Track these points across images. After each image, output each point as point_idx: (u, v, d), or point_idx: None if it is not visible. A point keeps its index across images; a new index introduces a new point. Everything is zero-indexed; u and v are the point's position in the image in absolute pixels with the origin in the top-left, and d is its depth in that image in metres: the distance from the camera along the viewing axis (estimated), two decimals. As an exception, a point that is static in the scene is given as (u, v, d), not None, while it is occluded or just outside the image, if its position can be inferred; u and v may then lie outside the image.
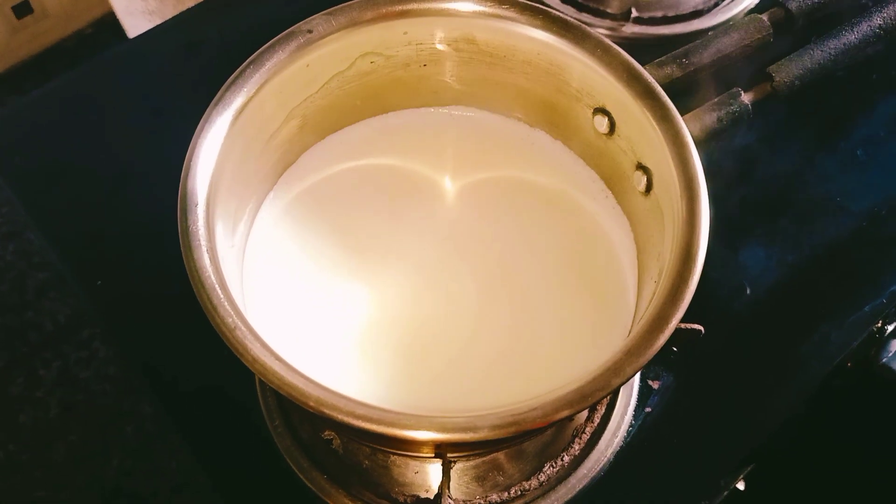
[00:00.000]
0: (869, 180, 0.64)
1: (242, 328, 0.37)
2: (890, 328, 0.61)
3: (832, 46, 0.43)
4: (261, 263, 0.48)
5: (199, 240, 0.38)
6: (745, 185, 0.64)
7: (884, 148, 0.66)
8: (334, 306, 0.47)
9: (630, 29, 0.71)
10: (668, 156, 0.42)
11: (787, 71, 0.43)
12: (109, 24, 0.87)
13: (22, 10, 0.80)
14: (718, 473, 0.56)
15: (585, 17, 0.71)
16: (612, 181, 0.50)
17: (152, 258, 0.59)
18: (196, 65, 0.73)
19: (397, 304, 0.48)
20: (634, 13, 0.70)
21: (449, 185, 0.52)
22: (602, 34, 0.69)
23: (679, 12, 0.72)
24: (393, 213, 0.51)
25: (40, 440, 0.69)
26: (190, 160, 0.41)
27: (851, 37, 0.44)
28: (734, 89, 0.44)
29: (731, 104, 0.43)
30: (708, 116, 0.43)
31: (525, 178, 0.52)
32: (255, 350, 0.36)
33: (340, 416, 0.35)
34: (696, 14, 0.71)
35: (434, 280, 0.49)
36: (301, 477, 0.53)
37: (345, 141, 0.52)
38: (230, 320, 0.37)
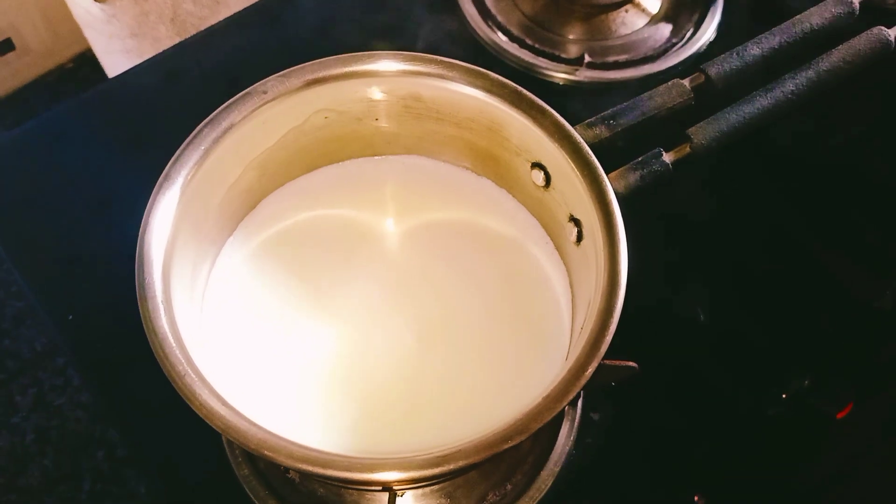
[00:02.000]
0: (805, 221, 0.68)
1: (191, 374, 0.40)
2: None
3: (746, 110, 0.47)
4: (220, 307, 0.51)
5: (154, 291, 0.42)
6: (688, 226, 0.67)
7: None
8: (288, 349, 0.51)
9: (584, 73, 0.74)
10: (594, 211, 0.46)
11: (704, 133, 0.47)
12: (90, 59, 0.90)
13: (4, 47, 0.84)
14: (656, 500, 0.59)
15: (541, 61, 0.75)
16: (551, 230, 0.54)
17: (122, 294, 0.62)
18: (174, 101, 0.76)
19: (348, 348, 0.51)
20: (588, 59, 0.74)
21: (399, 230, 0.55)
22: (558, 78, 0.75)
23: (630, 58, 0.75)
24: (347, 258, 0.54)
25: (15, 464, 0.72)
26: (148, 216, 0.44)
27: (765, 101, 0.47)
28: (656, 149, 0.47)
29: (654, 163, 0.47)
30: (632, 175, 0.47)
31: (472, 223, 0.56)
32: (203, 396, 0.39)
33: (280, 458, 0.38)
34: (647, 59, 0.75)
35: (384, 322, 0.52)
36: (258, 504, 0.56)
37: (303, 188, 0.56)
38: (180, 368, 0.40)
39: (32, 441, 0.72)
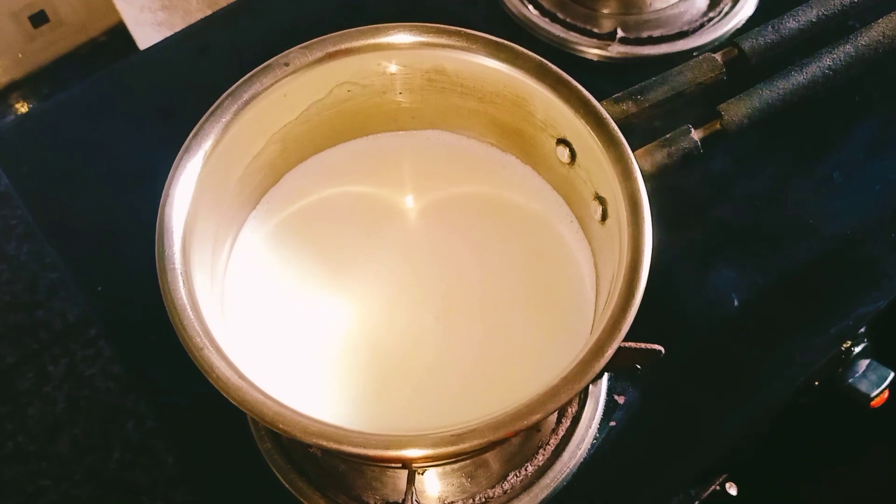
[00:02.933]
0: (843, 204, 0.66)
1: (209, 348, 0.40)
2: (857, 350, 0.63)
3: (781, 87, 0.45)
4: (242, 282, 0.51)
5: (173, 264, 0.42)
6: (720, 207, 0.66)
7: (860, 171, 0.67)
8: (309, 324, 0.50)
9: (616, 49, 0.73)
10: (619, 189, 0.45)
11: (736, 110, 0.45)
12: (123, 32, 0.90)
13: (38, 19, 0.84)
14: (679, 486, 0.58)
15: (573, 35, 0.74)
16: (576, 207, 0.53)
17: (152, 266, 0.63)
18: (204, 74, 0.76)
19: (369, 324, 0.51)
20: (621, 33, 0.72)
21: (422, 206, 0.55)
22: (590, 53, 0.73)
23: (665, 33, 0.73)
24: (369, 234, 0.54)
25: (47, 433, 0.73)
26: (169, 187, 0.44)
27: (800, 77, 0.45)
28: (685, 126, 0.46)
29: (682, 140, 0.46)
30: (658, 152, 0.46)
31: (496, 199, 0.55)
32: (220, 369, 0.39)
33: (295, 433, 0.38)
34: (682, 35, 0.73)
35: (404, 300, 0.51)
36: (280, 478, 0.56)
37: (325, 163, 0.55)
38: (198, 340, 0.40)
39: (63, 410, 0.73)
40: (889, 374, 0.61)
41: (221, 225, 0.49)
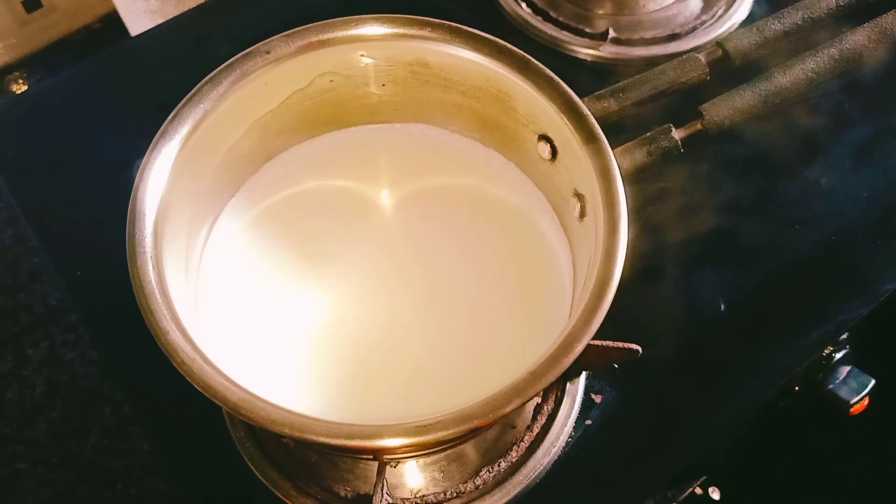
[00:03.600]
0: (829, 209, 0.65)
1: (175, 332, 0.40)
2: (838, 356, 0.62)
3: (763, 88, 0.45)
4: (217, 270, 0.51)
5: (143, 247, 0.41)
6: (705, 209, 0.65)
7: (847, 178, 0.67)
8: (285, 316, 0.50)
9: (608, 49, 0.72)
10: (596, 186, 0.44)
11: (717, 110, 0.45)
12: (117, 19, 0.90)
13: (31, 4, 0.84)
14: (654, 486, 0.58)
15: (565, 35, 0.73)
16: (556, 204, 0.52)
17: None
18: (196, 62, 0.75)
19: (345, 316, 0.50)
20: (612, 34, 0.72)
21: (403, 198, 0.55)
22: (581, 53, 0.73)
23: (657, 35, 0.73)
24: (349, 225, 0.54)
25: (24, 415, 0.73)
26: (143, 170, 0.44)
27: (783, 79, 0.45)
28: (665, 125, 0.46)
29: (662, 139, 0.45)
30: (638, 151, 0.45)
31: (477, 193, 0.55)
32: (185, 354, 0.39)
33: (258, 419, 0.38)
34: (674, 37, 0.73)
35: (381, 292, 0.51)
36: (252, 468, 0.56)
37: (306, 154, 0.55)
38: (164, 324, 0.40)
39: (42, 394, 0.73)
40: (870, 382, 0.61)
41: (197, 212, 0.49)
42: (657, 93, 0.46)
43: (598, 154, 0.45)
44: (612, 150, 0.45)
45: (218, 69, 0.47)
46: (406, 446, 0.38)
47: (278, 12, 0.79)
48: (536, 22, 0.74)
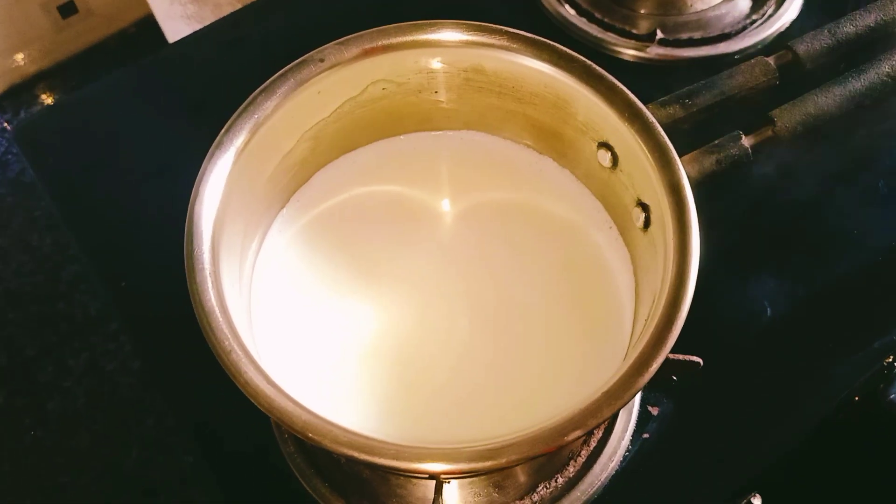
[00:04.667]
0: (888, 215, 0.64)
1: (238, 351, 0.38)
2: (900, 364, 0.60)
3: (837, 93, 0.43)
4: (269, 282, 0.50)
5: (202, 264, 0.40)
6: (761, 215, 0.64)
7: (907, 181, 0.65)
8: (337, 328, 0.49)
9: (655, 51, 0.71)
10: (664, 196, 0.43)
11: (790, 116, 0.44)
12: (153, 24, 0.89)
13: (67, 10, 0.84)
14: (713, 502, 0.56)
15: (610, 36, 0.72)
16: (616, 214, 0.51)
17: (177, 263, 0.62)
18: (234, 69, 0.75)
19: (398, 329, 0.49)
20: (660, 35, 0.70)
21: (455, 209, 0.53)
22: (628, 55, 0.71)
23: (706, 35, 0.71)
24: (400, 236, 0.52)
25: (65, 427, 0.72)
26: (199, 184, 0.43)
27: (857, 84, 0.43)
28: (735, 132, 0.44)
29: (731, 147, 0.44)
30: (707, 159, 0.44)
31: (531, 203, 0.53)
32: (248, 373, 0.38)
33: (325, 442, 0.37)
34: (724, 37, 0.71)
35: (434, 305, 0.50)
36: (302, 482, 0.55)
37: (357, 162, 0.54)
38: (226, 343, 0.38)
39: (83, 405, 0.72)
40: (933, 392, 0.59)
41: (250, 224, 0.48)
42: (724, 98, 0.45)
43: (665, 163, 0.43)
44: (680, 158, 0.43)
45: (272, 78, 0.46)
46: (476, 469, 0.36)
47: (316, 16, 0.78)
48: (580, 23, 0.73)
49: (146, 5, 0.85)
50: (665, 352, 0.39)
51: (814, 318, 0.60)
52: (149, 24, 0.90)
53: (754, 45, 0.70)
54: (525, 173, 0.54)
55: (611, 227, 0.51)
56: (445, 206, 0.53)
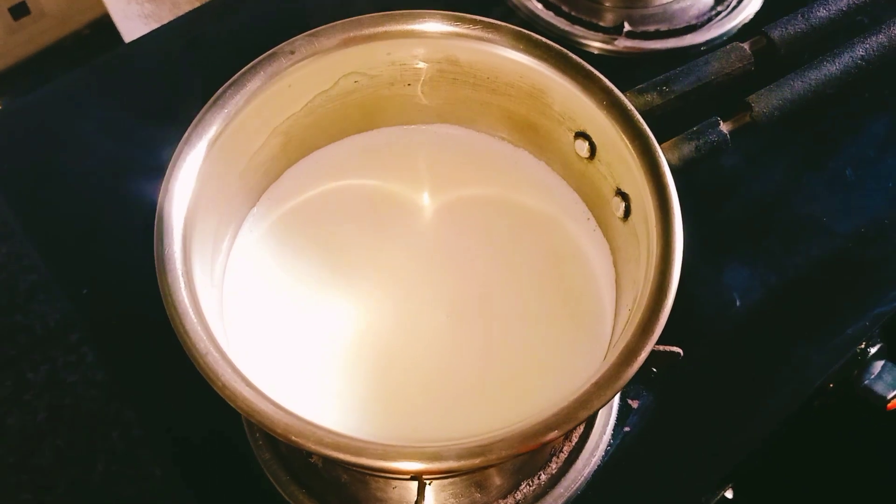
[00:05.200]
0: (856, 201, 0.64)
1: (214, 353, 0.37)
2: (873, 350, 0.61)
3: (813, 77, 0.43)
4: (242, 280, 0.48)
5: (174, 264, 0.39)
6: (730, 204, 0.64)
7: (873, 168, 0.66)
8: (313, 326, 0.48)
9: (623, 43, 0.71)
10: (645, 184, 0.42)
11: (767, 101, 0.43)
12: (107, 25, 0.87)
13: (19, 11, 0.81)
14: (696, 493, 0.56)
15: (577, 29, 0.71)
16: (594, 205, 0.50)
17: (140, 267, 0.60)
18: (192, 68, 0.73)
19: (375, 326, 0.48)
20: (627, 27, 0.70)
21: (431, 203, 0.52)
22: (595, 47, 0.71)
23: (672, 27, 0.72)
24: (375, 232, 0.51)
25: (27, 443, 0.69)
26: (168, 180, 0.41)
27: (833, 67, 0.43)
28: (713, 118, 0.44)
29: (710, 133, 0.43)
30: (686, 145, 0.43)
31: (507, 196, 0.53)
32: (226, 376, 0.36)
33: (309, 445, 0.35)
34: (690, 29, 0.71)
35: (413, 301, 0.49)
36: (279, 490, 0.53)
37: (328, 158, 0.53)
38: (202, 345, 0.37)
39: (45, 420, 0.69)
40: (905, 377, 0.60)
41: (221, 223, 0.47)
42: (701, 84, 0.45)
43: (645, 151, 0.43)
44: (659, 143, 0.43)
45: (241, 71, 0.44)
46: (466, 467, 0.35)
47: (277, 14, 0.76)
48: (548, 16, 0.72)
49: (101, 6, 0.83)
50: (652, 341, 0.38)
51: (786, 305, 0.60)
52: (103, 26, 0.88)
53: (720, 37, 0.71)
54: (500, 166, 0.53)
55: (588, 218, 0.51)
56: (418, 199, 0.52)
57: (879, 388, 0.60)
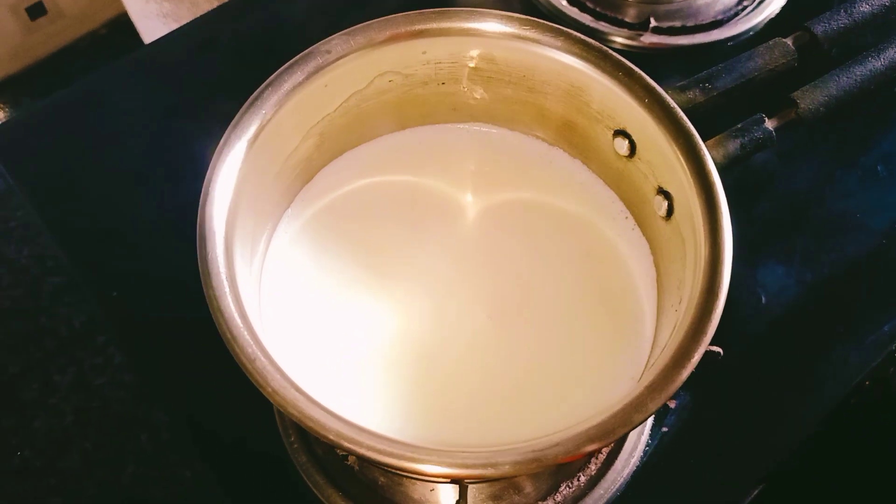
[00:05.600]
0: (889, 196, 0.64)
1: (262, 359, 0.36)
2: (908, 347, 0.60)
3: (858, 73, 0.43)
4: (278, 283, 0.48)
5: (217, 267, 0.38)
6: (764, 201, 0.63)
7: (906, 162, 0.65)
8: (350, 327, 0.47)
9: (648, 39, 0.70)
10: (691, 183, 0.42)
11: (812, 97, 0.43)
12: (124, 24, 0.86)
13: (36, 11, 0.80)
14: (735, 493, 0.55)
15: (602, 25, 0.71)
16: (632, 204, 0.50)
17: (166, 267, 0.59)
18: (211, 68, 0.73)
19: (414, 328, 0.47)
20: (653, 23, 0.70)
21: (466, 203, 0.52)
22: (620, 43, 0.70)
23: (698, 22, 0.71)
24: (409, 231, 0.51)
25: (55, 447, 0.69)
26: (208, 186, 0.41)
27: (878, 63, 0.43)
28: (757, 115, 0.43)
29: (755, 130, 0.43)
30: (731, 143, 0.43)
31: (543, 197, 0.52)
32: (276, 382, 0.36)
33: (360, 451, 0.35)
34: (716, 24, 0.71)
35: (447, 303, 0.48)
36: (316, 493, 0.53)
37: (362, 158, 0.52)
38: (250, 350, 0.36)
39: (72, 423, 0.69)
40: (941, 374, 0.59)
41: (258, 224, 0.46)
42: (745, 81, 0.44)
43: (689, 149, 0.42)
44: (704, 141, 0.42)
45: (278, 71, 0.44)
46: (523, 471, 0.35)
47: (296, 16, 0.76)
48: (572, 13, 0.72)
49: (118, 5, 0.82)
50: (705, 343, 0.38)
51: (822, 302, 0.60)
52: (120, 25, 0.87)
53: (746, 32, 0.70)
54: (535, 165, 0.53)
55: (626, 218, 0.50)
56: (453, 198, 0.52)
57: (915, 385, 0.59)
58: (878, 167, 0.65)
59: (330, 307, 0.48)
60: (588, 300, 0.49)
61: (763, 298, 0.59)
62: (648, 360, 0.45)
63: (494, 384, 0.46)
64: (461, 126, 0.53)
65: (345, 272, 0.49)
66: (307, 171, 0.50)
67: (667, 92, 0.44)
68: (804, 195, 0.64)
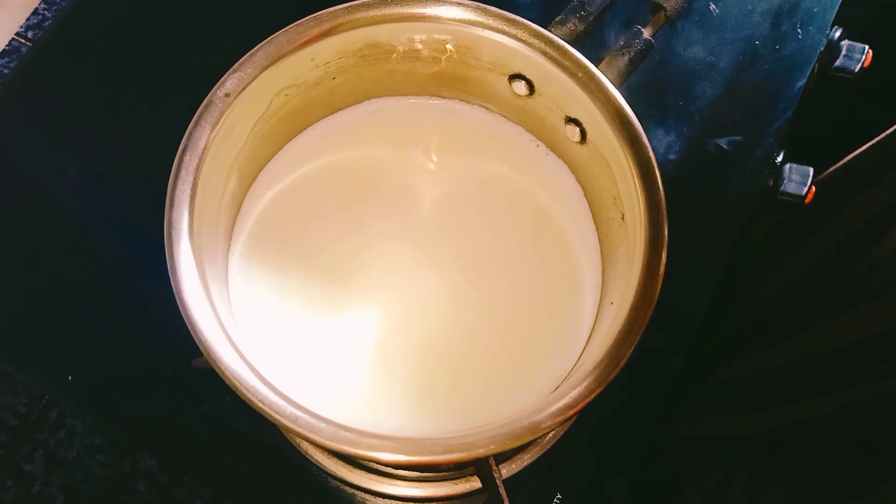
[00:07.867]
0: (727, 33, 0.70)
1: (265, 388, 0.38)
2: (779, 158, 0.68)
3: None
4: (247, 319, 0.48)
5: (197, 294, 0.40)
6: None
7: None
8: (318, 339, 0.49)
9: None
10: (596, 106, 0.45)
11: (675, -3, 0.47)
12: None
13: None
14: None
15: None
16: (541, 133, 0.53)
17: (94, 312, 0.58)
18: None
19: (373, 322, 0.49)
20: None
21: (390, 176, 0.53)
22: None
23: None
24: (346, 221, 0.52)
25: (57, 531, 0.69)
26: (173, 265, 0.40)
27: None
28: (634, 28, 0.47)
29: (637, 43, 0.47)
30: (619, 60, 0.46)
31: (456, 153, 0.54)
32: (274, 404, 0.38)
33: (380, 458, 0.38)
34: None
35: (409, 282, 0.51)
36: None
37: (274, 172, 0.52)
38: (251, 382, 0.38)
39: (64, 503, 0.69)
40: (809, 171, 0.68)
41: (219, 273, 0.46)
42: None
43: (590, 78, 0.45)
44: (596, 66, 0.46)
45: (188, 131, 0.43)
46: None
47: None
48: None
49: None
50: (665, 243, 0.42)
51: (703, 148, 0.66)
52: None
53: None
54: (439, 121, 0.54)
55: (538, 145, 0.54)
56: (373, 175, 0.53)
57: (793, 188, 0.67)
58: (710, 7, 0.71)
59: (295, 325, 0.49)
60: (524, 250, 0.52)
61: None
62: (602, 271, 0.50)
63: (465, 368, 0.49)
64: (356, 106, 0.54)
65: (296, 287, 0.50)
66: (235, 206, 0.50)
67: (549, 29, 0.46)
68: (659, 54, 0.69)
